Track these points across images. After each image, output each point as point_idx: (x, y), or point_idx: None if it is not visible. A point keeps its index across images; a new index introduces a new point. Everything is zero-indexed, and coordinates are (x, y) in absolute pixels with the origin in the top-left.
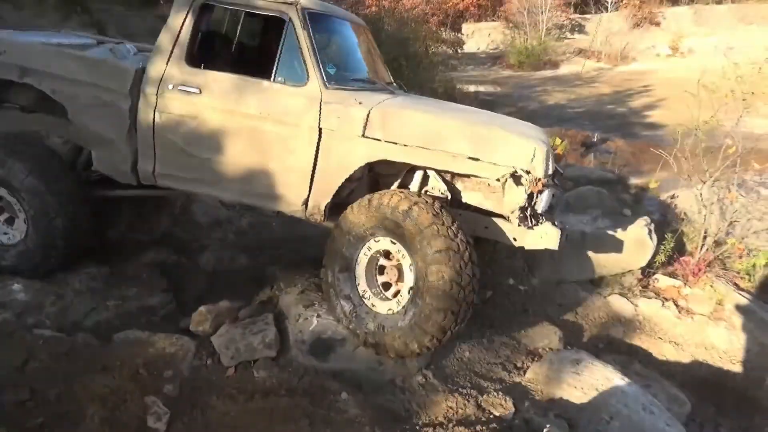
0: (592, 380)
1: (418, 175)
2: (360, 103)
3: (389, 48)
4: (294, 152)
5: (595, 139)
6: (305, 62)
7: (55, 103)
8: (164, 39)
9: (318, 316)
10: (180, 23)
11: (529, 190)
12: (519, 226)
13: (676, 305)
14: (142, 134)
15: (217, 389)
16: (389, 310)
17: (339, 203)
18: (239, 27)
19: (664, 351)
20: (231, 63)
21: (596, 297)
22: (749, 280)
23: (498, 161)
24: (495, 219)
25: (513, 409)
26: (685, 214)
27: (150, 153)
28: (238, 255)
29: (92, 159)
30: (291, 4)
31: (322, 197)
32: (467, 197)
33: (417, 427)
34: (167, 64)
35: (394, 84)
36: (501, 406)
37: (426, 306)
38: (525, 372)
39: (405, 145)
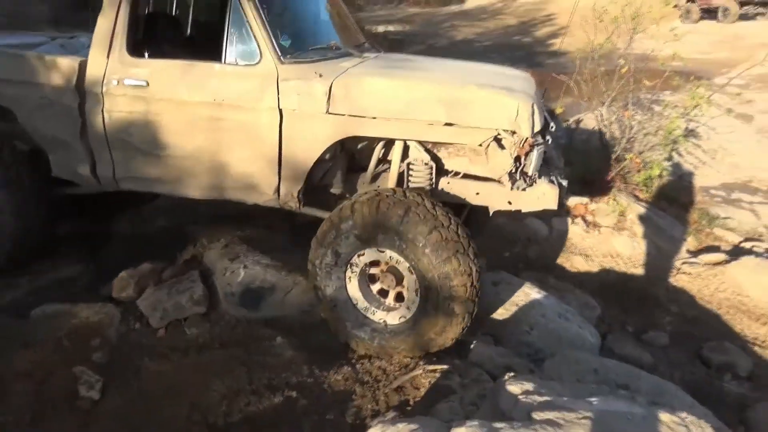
0: (513, 297)
1: (398, 146)
2: (320, 76)
3: None
4: (256, 138)
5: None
6: (255, 37)
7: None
8: (101, 28)
9: (245, 267)
10: (115, 9)
11: (515, 153)
12: (512, 189)
13: (585, 220)
14: (94, 135)
15: (148, 351)
16: (401, 318)
17: (317, 186)
18: (180, 6)
19: (575, 263)
20: (177, 48)
21: (514, 221)
22: (647, 191)
23: (478, 124)
24: (486, 183)
25: None
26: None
27: (106, 155)
28: (154, 217)
29: (51, 165)
30: None
31: (294, 183)
32: (452, 164)
33: (353, 361)
34: (108, 57)
35: (365, 45)
36: None
37: (443, 310)
38: None
39: (374, 118)
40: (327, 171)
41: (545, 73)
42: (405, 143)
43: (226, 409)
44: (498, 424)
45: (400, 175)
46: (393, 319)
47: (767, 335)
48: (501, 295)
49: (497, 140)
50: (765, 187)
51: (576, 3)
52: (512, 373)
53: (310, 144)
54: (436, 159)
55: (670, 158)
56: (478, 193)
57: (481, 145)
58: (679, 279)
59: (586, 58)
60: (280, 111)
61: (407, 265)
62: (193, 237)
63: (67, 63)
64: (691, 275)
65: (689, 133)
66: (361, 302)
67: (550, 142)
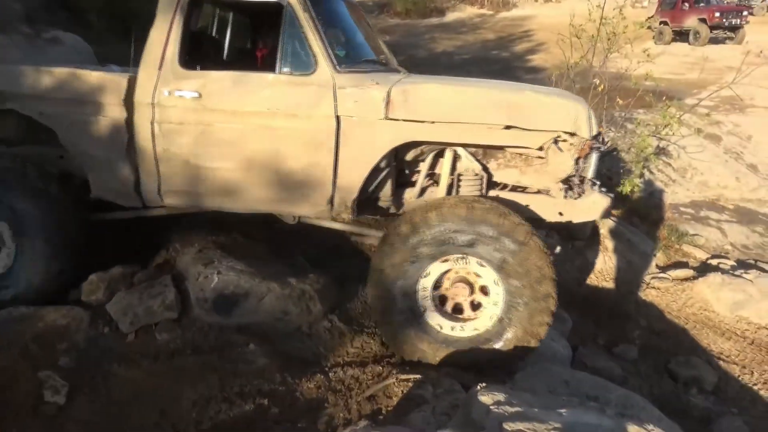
0: None
1: (448, 157)
2: (377, 84)
3: None
4: (311, 146)
5: None
6: (311, 48)
7: (41, 130)
8: (153, 42)
9: (219, 273)
10: (168, 23)
11: (576, 155)
12: (565, 197)
13: (559, 234)
14: (141, 149)
15: (118, 356)
16: (474, 330)
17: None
18: (233, 20)
19: None
20: (229, 60)
21: None
22: (619, 207)
23: (538, 126)
24: (536, 195)
25: None
26: None
27: (152, 170)
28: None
29: (90, 184)
30: None
31: (349, 192)
32: (501, 176)
33: (326, 369)
34: (160, 69)
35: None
36: None
37: (529, 319)
38: None
39: (433, 122)
40: (379, 182)
41: None
42: (455, 154)
43: (196, 416)
44: None
45: (449, 187)
46: (466, 331)
47: (732, 350)
48: None
49: (557, 142)
50: (731, 205)
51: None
52: (484, 384)
53: (368, 150)
54: (485, 170)
55: (641, 175)
56: (528, 205)
57: (540, 148)
58: (648, 293)
59: (561, 75)
60: (338, 118)
61: (494, 274)
62: (167, 241)
63: (115, 78)
64: (660, 290)
65: (660, 151)
66: (434, 315)
67: (602, 148)
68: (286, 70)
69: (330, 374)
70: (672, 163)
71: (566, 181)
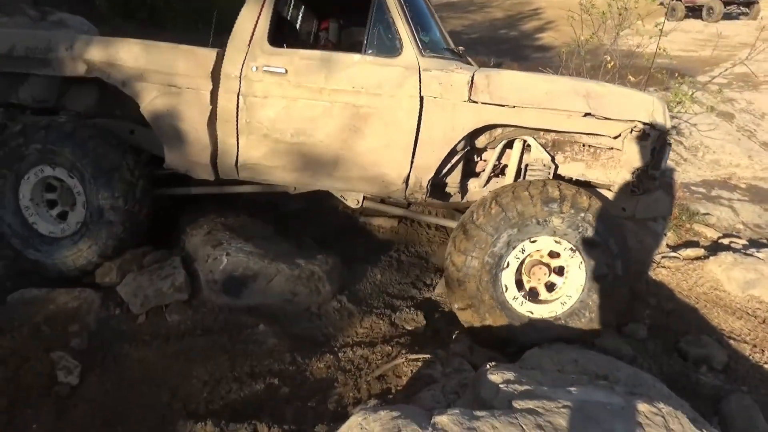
0: None
1: (517, 146)
2: (460, 68)
3: None
4: (393, 125)
5: (492, 64)
6: (398, 32)
7: (114, 105)
8: (244, 19)
9: (228, 254)
10: (260, 2)
11: (652, 146)
12: (632, 192)
13: None
14: (223, 121)
15: (129, 337)
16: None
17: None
18: (324, 1)
19: None
20: (319, 39)
21: None
22: None
23: (617, 116)
24: (599, 190)
25: (424, 322)
26: None
27: (232, 142)
28: None
29: (165, 156)
30: None
31: (426, 172)
32: (568, 169)
33: (335, 349)
34: (249, 45)
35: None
36: (413, 320)
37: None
38: (434, 288)
39: (514, 107)
40: (448, 169)
41: (531, 66)
42: (524, 143)
43: (207, 396)
44: (479, 413)
45: (516, 177)
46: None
47: (742, 329)
48: None
49: (635, 132)
50: (744, 184)
51: None
52: (493, 363)
53: (449, 131)
54: (552, 162)
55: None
56: None
57: (617, 137)
58: (658, 273)
59: (572, 53)
60: (421, 98)
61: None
62: (176, 223)
63: (205, 52)
64: (671, 269)
65: (672, 130)
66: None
67: (671, 144)
68: (371, 51)
69: (339, 354)
70: (684, 141)
71: (633, 177)
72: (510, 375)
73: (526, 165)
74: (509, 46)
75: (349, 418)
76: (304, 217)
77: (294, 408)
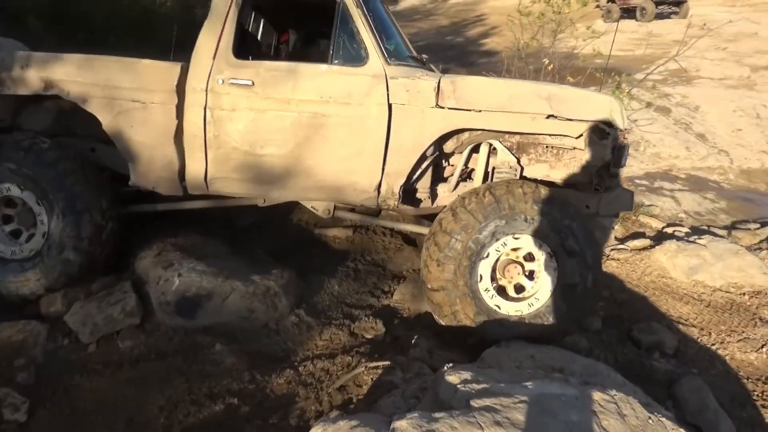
0: None
1: (484, 150)
2: (426, 75)
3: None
4: (363, 133)
5: (440, 70)
6: (363, 41)
7: (73, 123)
8: (207, 32)
9: (180, 275)
10: (223, 15)
11: (612, 144)
12: (595, 190)
13: None
14: (190, 136)
15: (79, 368)
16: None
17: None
18: (284, 13)
19: None
20: (279, 52)
21: None
22: None
23: (578, 116)
24: (563, 189)
25: (383, 330)
26: None
27: (200, 156)
28: None
29: (130, 173)
30: None
31: (397, 178)
32: (533, 171)
33: (295, 363)
34: (214, 58)
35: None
36: (372, 329)
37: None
38: (392, 294)
39: (480, 111)
40: (422, 173)
41: (477, 69)
42: (490, 147)
43: (164, 421)
44: (438, 414)
45: (483, 180)
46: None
47: (690, 313)
48: None
49: (595, 131)
50: (683, 174)
51: None
52: (451, 364)
53: (418, 137)
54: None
55: None
56: None
57: (579, 137)
58: (609, 265)
59: (514, 57)
60: (390, 106)
61: (555, 262)
62: (124, 247)
63: (167, 66)
64: (620, 261)
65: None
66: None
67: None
68: (337, 61)
69: (300, 368)
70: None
71: (595, 176)
72: (467, 375)
73: (493, 168)
74: (456, 53)
75: (309, 431)
76: (258, 232)
77: (255, 426)
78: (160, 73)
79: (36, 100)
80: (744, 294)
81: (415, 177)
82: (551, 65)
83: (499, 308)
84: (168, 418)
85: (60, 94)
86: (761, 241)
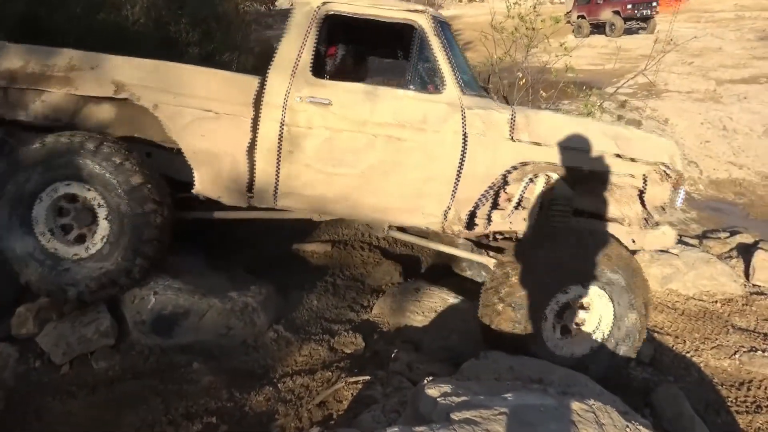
0: (431, 304)
1: (541, 181)
2: (501, 107)
3: (195, 8)
4: (436, 159)
5: None
6: (441, 69)
7: (130, 126)
8: (286, 49)
9: (155, 293)
10: (303, 32)
11: (671, 186)
12: (645, 226)
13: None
14: (264, 150)
15: (52, 390)
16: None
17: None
18: (364, 36)
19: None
20: (358, 73)
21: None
22: None
23: (643, 157)
24: (611, 224)
25: (363, 344)
26: None
27: (272, 171)
28: None
29: (195, 181)
30: (421, 12)
31: (465, 205)
32: (584, 203)
33: (274, 380)
34: (292, 75)
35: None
36: (352, 343)
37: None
38: (371, 309)
39: (549, 146)
40: (487, 201)
41: None
42: (548, 179)
43: None
44: (418, 428)
45: (538, 211)
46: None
47: (665, 322)
48: (420, 303)
49: (657, 173)
50: None
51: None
52: (431, 378)
53: (490, 166)
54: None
55: None
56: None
57: (640, 176)
58: None
59: (488, 72)
60: (465, 134)
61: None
62: None
63: (246, 79)
64: None
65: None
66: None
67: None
68: (414, 87)
69: (279, 385)
70: None
71: (645, 213)
72: (447, 387)
73: (549, 199)
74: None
75: None
76: (236, 248)
77: None
78: (238, 85)
79: (96, 100)
80: (716, 302)
81: (478, 205)
82: (524, 79)
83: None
84: None
85: (130, 98)
86: (731, 250)
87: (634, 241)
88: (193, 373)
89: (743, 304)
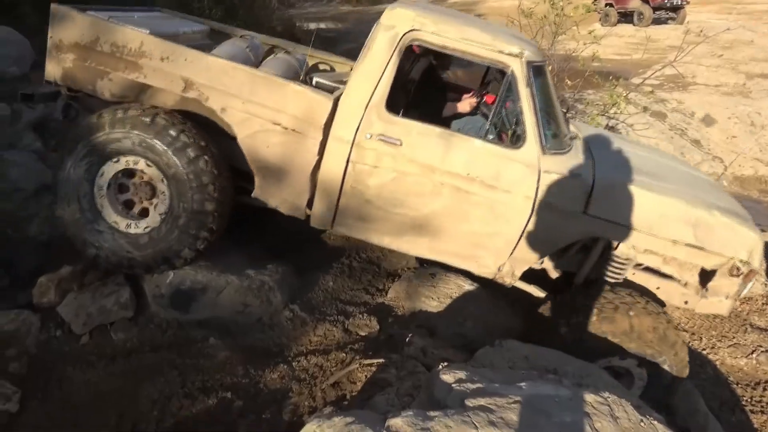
0: (447, 290)
1: (601, 245)
2: (580, 174)
3: None
4: (501, 218)
5: None
6: (525, 123)
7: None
8: (361, 79)
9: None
10: (383, 64)
11: (741, 281)
12: (703, 297)
13: None
14: (327, 180)
15: (72, 359)
16: None
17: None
18: (445, 73)
19: None
20: (431, 112)
21: None
22: None
23: (718, 250)
24: (668, 280)
25: (377, 327)
26: None
27: (332, 200)
28: None
29: (256, 187)
30: (516, 55)
31: (522, 264)
32: (647, 259)
33: (289, 359)
34: (365, 109)
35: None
36: (367, 326)
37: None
38: (387, 292)
39: (621, 225)
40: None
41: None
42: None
43: (157, 414)
44: (432, 413)
45: (594, 267)
46: None
47: (681, 318)
48: (436, 289)
49: (729, 267)
50: None
51: None
52: (446, 363)
53: (556, 236)
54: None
55: None
56: (658, 288)
57: (710, 266)
58: None
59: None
60: (535, 201)
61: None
62: None
63: (318, 99)
64: None
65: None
66: None
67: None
68: (493, 138)
69: (293, 364)
70: None
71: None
72: (462, 374)
73: (610, 256)
74: None
75: (304, 426)
76: (254, 226)
77: (248, 421)
78: (310, 104)
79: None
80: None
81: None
82: (550, 67)
83: None
84: (161, 411)
85: (198, 98)
86: None
87: (686, 302)
88: (210, 348)
89: (763, 304)
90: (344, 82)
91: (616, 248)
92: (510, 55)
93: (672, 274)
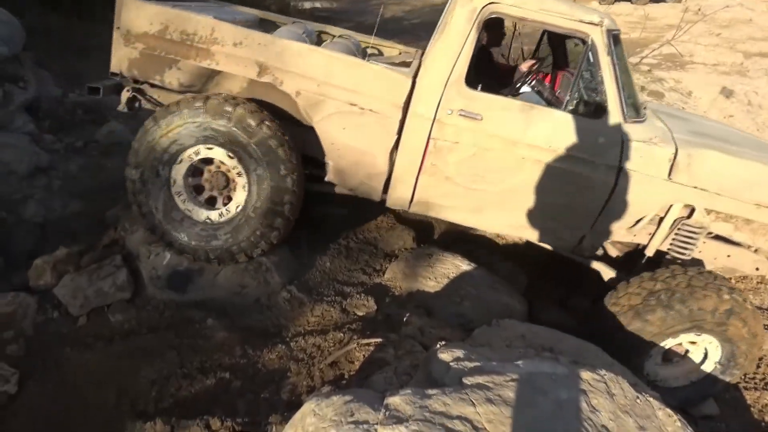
0: (444, 270)
1: (677, 209)
2: (662, 142)
3: None
4: (584, 190)
5: None
6: (606, 93)
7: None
8: (440, 54)
9: (170, 249)
10: (462, 39)
11: None
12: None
13: None
14: (406, 159)
15: (70, 340)
16: None
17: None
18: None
19: (504, 236)
20: (508, 85)
21: None
22: None
23: None
24: (738, 248)
25: (375, 307)
26: None
27: (411, 180)
28: (69, 201)
29: (329, 171)
30: (597, 24)
31: (601, 238)
32: (718, 227)
33: (287, 339)
34: (445, 85)
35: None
36: (364, 306)
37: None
38: (384, 273)
39: (705, 190)
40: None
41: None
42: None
43: (156, 395)
44: (430, 391)
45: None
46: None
47: None
48: (433, 268)
49: None
50: None
51: None
52: (443, 342)
53: (639, 205)
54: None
55: None
56: (729, 255)
57: None
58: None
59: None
60: (619, 170)
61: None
62: (114, 221)
63: (397, 78)
64: None
65: None
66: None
67: None
68: (573, 108)
69: (291, 344)
70: None
71: None
72: (460, 353)
73: (683, 223)
74: None
75: (302, 405)
76: None
77: (247, 400)
78: (388, 83)
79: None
80: (731, 279)
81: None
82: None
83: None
84: (159, 391)
85: (273, 83)
86: None
87: (758, 269)
88: (208, 329)
89: (758, 283)
90: (397, 66)
91: (689, 217)
92: (591, 24)
93: (743, 242)
